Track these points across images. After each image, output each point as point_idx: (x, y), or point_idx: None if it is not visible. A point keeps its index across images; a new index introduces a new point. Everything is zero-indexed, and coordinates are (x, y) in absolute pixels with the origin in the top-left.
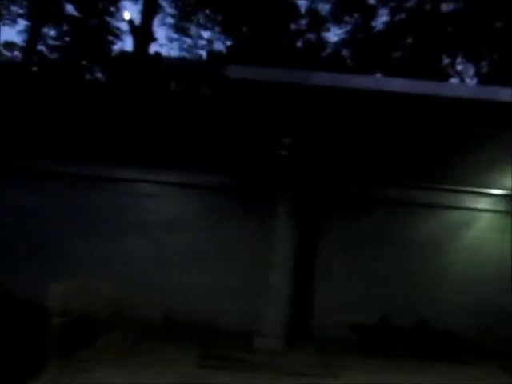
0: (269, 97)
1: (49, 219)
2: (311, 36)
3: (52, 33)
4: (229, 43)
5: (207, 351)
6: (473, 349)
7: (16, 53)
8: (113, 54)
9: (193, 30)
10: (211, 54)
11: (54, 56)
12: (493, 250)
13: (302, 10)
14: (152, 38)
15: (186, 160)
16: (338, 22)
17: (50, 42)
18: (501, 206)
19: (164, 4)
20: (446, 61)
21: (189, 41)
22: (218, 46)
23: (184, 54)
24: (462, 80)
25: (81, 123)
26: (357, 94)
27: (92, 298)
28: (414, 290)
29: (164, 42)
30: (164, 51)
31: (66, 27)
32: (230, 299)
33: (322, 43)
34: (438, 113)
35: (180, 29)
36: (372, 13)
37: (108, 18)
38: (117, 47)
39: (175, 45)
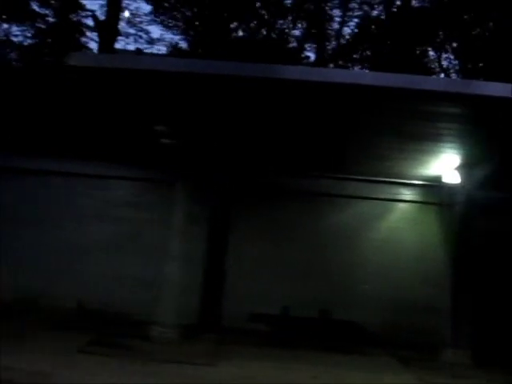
0: (153, 86)
1: None
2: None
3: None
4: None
5: (99, 339)
6: (381, 340)
7: None
8: None
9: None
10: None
11: None
12: (409, 241)
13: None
14: (117, 33)
15: (90, 151)
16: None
17: None
18: (418, 197)
19: None
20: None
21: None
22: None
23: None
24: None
25: None
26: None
27: None
28: (324, 281)
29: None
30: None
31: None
32: (139, 289)
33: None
34: (355, 101)
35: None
36: None
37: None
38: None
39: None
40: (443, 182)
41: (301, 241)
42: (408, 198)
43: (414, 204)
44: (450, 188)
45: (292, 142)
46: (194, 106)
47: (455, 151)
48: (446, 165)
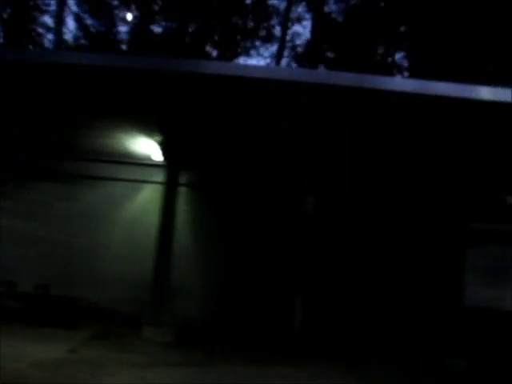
0: None
1: None
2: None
3: None
4: None
5: None
6: (111, 317)
7: None
8: None
9: None
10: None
11: None
12: (153, 222)
13: None
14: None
15: None
16: None
17: None
18: (158, 177)
19: None
20: None
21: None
22: None
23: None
24: None
25: None
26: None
27: None
28: (61, 258)
29: None
30: None
31: None
32: None
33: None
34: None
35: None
36: None
37: None
38: None
39: None
40: (154, 161)
41: (49, 221)
42: (150, 178)
43: (156, 185)
44: (159, 166)
45: (31, 124)
46: None
47: (160, 128)
48: (153, 143)
